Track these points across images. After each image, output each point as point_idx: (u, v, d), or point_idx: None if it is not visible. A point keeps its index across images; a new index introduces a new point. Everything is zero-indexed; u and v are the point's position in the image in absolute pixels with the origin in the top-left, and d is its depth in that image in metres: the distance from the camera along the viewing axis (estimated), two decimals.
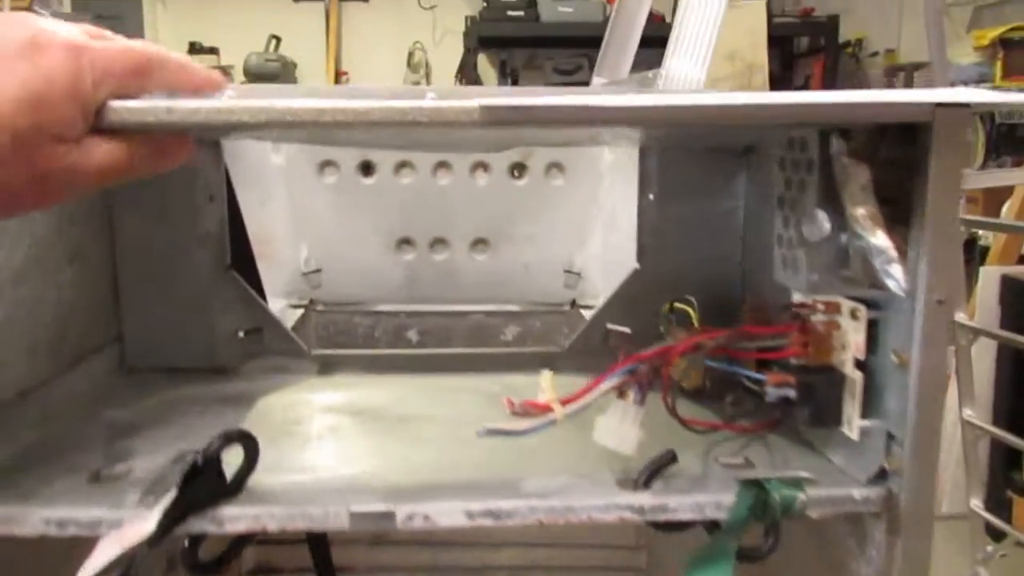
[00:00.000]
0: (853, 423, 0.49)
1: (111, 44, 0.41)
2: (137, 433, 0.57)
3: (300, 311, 0.92)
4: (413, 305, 0.97)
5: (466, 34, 4.59)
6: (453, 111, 0.41)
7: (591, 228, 0.97)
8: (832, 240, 0.47)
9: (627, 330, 0.71)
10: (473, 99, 0.41)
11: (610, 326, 0.72)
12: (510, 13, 4.48)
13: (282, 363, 0.71)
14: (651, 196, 0.69)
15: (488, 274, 0.97)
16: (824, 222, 0.47)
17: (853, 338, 0.48)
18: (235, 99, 0.41)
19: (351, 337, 0.97)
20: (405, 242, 0.95)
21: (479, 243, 0.96)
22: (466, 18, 4.61)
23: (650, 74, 1.61)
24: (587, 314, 0.97)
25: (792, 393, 0.50)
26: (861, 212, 0.44)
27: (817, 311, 0.50)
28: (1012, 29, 3.67)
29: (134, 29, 4.81)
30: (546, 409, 0.50)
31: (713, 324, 0.66)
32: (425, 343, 0.97)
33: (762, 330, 0.52)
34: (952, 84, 2.73)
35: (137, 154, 0.42)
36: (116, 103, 0.40)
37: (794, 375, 0.50)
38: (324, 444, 0.57)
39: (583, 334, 0.73)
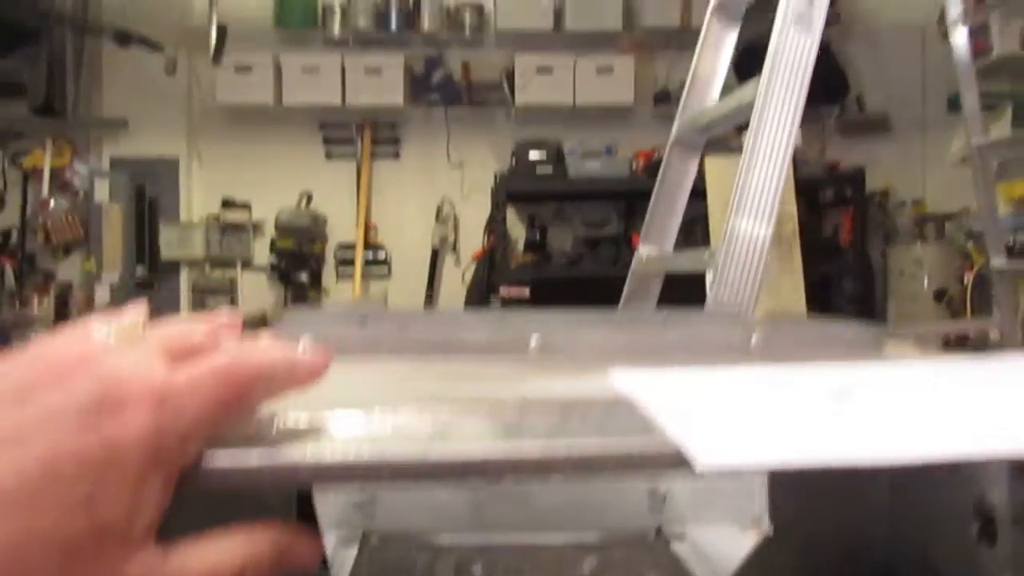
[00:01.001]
0: None
1: (202, 371, 0.30)
2: None
3: (353, 550, 0.81)
4: (479, 535, 0.85)
5: (495, 189, 4.66)
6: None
7: None
8: None
9: None
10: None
11: None
12: (539, 170, 4.56)
13: None
14: None
15: (563, 499, 0.86)
16: None
17: None
18: (416, 446, 0.31)
19: None
20: None
21: None
22: (495, 174, 4.70)
23: (706, 252, 1.55)
24: (677, 547, 0.85)
25: None
26: None
27: None
28: None
29: (170, 185, 4.94)
30: None
31: None
32: None
33: None
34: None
35: (253, 561, 0.30)
36: (218, 463, 0.29)
37: None
38: None
39: None
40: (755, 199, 1.44)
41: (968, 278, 3.96)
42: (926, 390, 0.42)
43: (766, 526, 0.67)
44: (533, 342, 0.62)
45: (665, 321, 0.83)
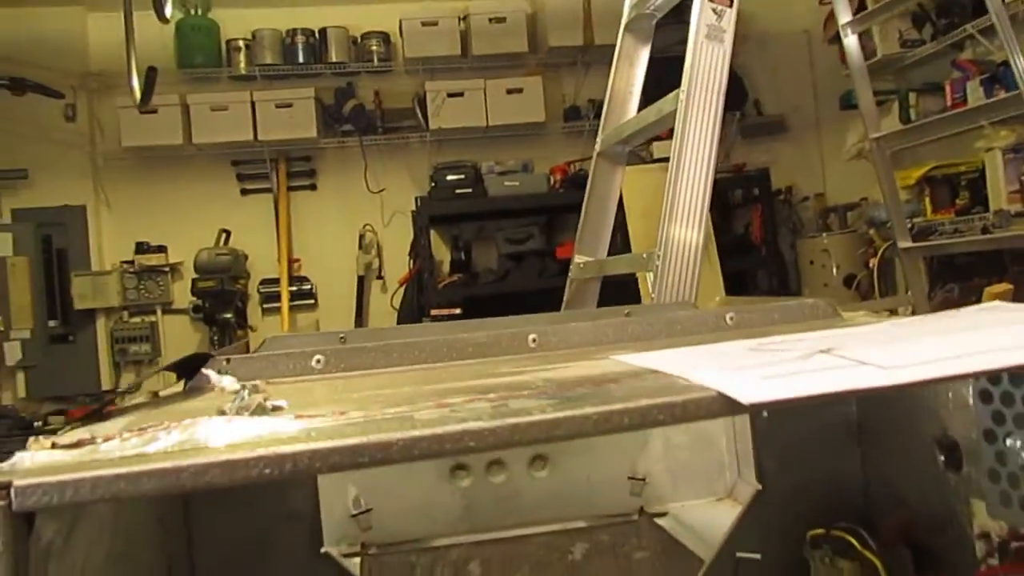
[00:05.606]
0: None
1: None
2: None
3: (356, 561, 0.84)
4: (473, 535, 0.89)
5: (415, 213, 4.69)
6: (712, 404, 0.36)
7: (651, 430, 0.93)
8: None
9: (758, 557, 0.65)
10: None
11: (740, 555, 0.66)
12: (458, 191, 4.61)
13: None
14: (764, 414, 0.66)
15: (550, 491, 0.91)
16: None
17: None
18: None
19: None
20: (459, 468, 0.89)
21: (537, 459, 0.90)
22: (415, 198, 4.73)
23: (644, 255, 1.63)
24: (661, 522, 0.91)
25: None
26: None
27: None
28: (933, 168, 3.92)
29: (79, 234, 4.77)
30: None
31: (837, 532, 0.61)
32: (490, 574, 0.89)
33: None
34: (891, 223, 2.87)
35: None
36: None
37: None
38: None
39: (709, 570, 0.67)
40: (686, 207, 1.52)
41: (873, 263, 4.19)
42: (896, 335, 0.48)
43: (746, 492, 0.72)
44: (531, 340, 0.66)
45: (629, 314, 0.89)
